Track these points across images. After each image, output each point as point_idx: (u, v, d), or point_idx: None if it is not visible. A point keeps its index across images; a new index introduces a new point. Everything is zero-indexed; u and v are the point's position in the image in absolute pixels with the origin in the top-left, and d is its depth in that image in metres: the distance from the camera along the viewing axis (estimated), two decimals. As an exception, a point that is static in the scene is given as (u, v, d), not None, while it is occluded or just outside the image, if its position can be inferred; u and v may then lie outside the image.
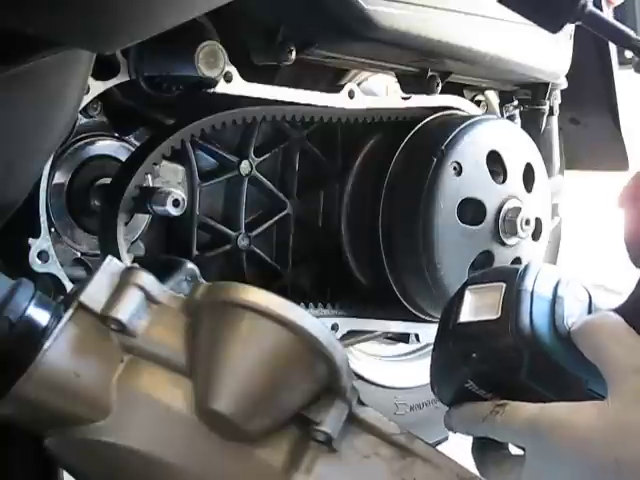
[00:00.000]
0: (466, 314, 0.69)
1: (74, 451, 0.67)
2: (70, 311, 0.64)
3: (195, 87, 0.99)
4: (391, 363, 1.57)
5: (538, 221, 1.22)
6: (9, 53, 0.67)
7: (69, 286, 0.96)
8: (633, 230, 0.67)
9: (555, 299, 0.67)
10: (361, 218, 1.20)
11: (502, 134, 1.21)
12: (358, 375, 1.44)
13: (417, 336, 1.28)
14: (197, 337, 0.65)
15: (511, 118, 1.36)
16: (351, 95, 1.12)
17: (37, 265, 0.94)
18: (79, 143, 1.04)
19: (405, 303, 1.21)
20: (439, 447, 0.71)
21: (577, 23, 0.82)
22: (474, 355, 0.66)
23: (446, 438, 1.56)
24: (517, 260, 1.20)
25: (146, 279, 0.66)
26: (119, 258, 0.93)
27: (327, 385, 0.67)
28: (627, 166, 1.61)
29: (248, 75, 1.00)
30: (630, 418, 0.60)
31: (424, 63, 1.16)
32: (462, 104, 1.27)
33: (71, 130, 0.98)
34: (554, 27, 0.83)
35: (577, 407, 0.62)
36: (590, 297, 0.69)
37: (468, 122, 1.17)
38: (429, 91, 1.19)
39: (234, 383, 0.64)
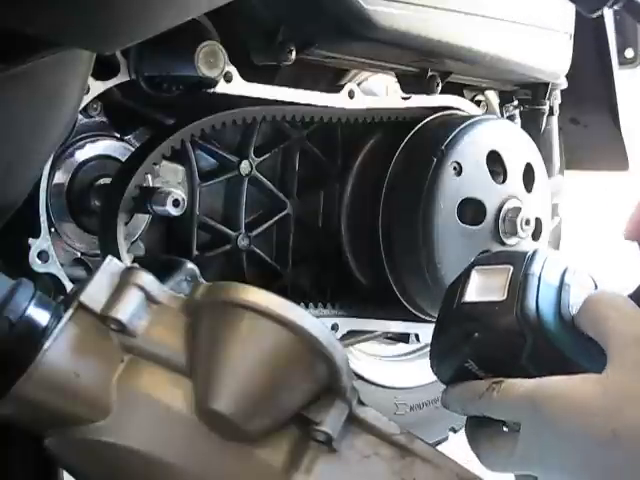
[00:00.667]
0: (472, 294, 0.69)
1: (74, 451, 0.67)
2: (70, 311, 0.64)
3: (195, 87, 0.99)
4: (391, 363, 1.57)
5: (538, 221, 1.22)
6: (9, 53, 0.67)
7: (69, 286, 0.96)
8: None
9: (562, 286, 0.67)
10: (361, 218, 1.20)
11: (502, 134, 1.21)
12: (358, 375, 1.44)
13: (417, 336, 1.28)
14: (197, 337, 0.65)
15: (511, 118, 1.36)
16: (351, 95, 1.12)
17: (37, 265, 0.94)
18: (79, 143, 1.04)
19: (405, 303, 1.21)
20: (439, 447, 0.71)
21: (614, 8, 0.82)
22: (476, 335, 0.67)
23: (446, 438, 1.57)
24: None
25: (146, 279, 0.66)
26: (119, 258, 0.93)
27: (327, 385, 0.67)
28: (627, 166, 1.61)
29: (248, 75, 1.00)
30: (629, 388, 0.60)
31: (424, 63, 1.16)
32: (462, 104, 1.27)
33: (71, 130, 0.98)
34: (591, 9, 0.83)
35: (575, 379, 0.62)
36: (596, 287, 0.69)
37: (468, 122, 1.17)
38: (429, 91, 1.19)
39: (234, 383, 0.64)
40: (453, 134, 1.14)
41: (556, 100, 1.35)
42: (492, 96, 1.44)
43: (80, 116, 1.02)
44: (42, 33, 0.63)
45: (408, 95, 1.19)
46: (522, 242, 1.20)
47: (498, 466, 0.68)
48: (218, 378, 0.64)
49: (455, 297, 0.70)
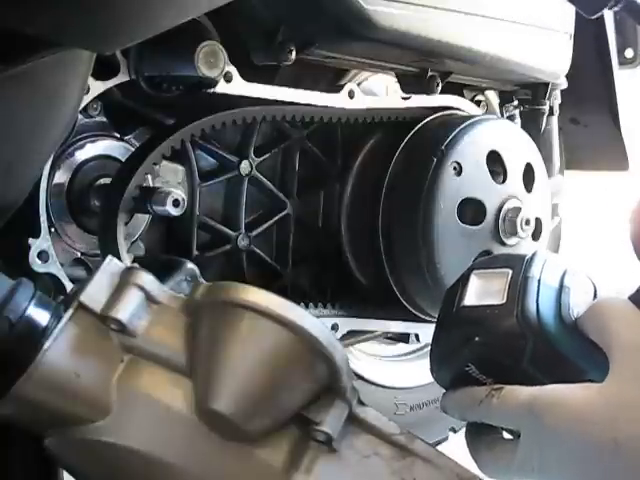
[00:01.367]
0: (471, 297, 0.69)
1: (74, 451, 0.67)
2: (70, 311, 0.64)
3: (195, 87, 0.99)
4: (391, 363, 1.57)
5: (538, 221, 1.22)
6: (9, 53, 0.67)
7: (69, 286, 0.96)
8: None
9: (562, 288, 0.67)
10: (361, 218, 1.20)
11: (502, 134, 1.21)
12: (358, 375, 1.44)
13: (417, 336, 1.28)
14: (197, 337, 0.65)
15: (511, 118, 1.36)
16: (351, 95, 1.12)
17: (37, 265, 0.94)
18: (79, 143, 1.05)
19: (405, 303, 1.21)
20: (439, 447, 0.71)
21: (615, 9, 0.81)
22: (477, 339, 0.66)
23: (446, 438, 1.57)
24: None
25: (146, 279, 0.66)
26: (119, 258, 0.93)
27: (327, 385, 0.67)
28: (627, 166, 1.61)
29: (248, 75, 1.00)
30: (630, 397, 0.59)
31: (424, 63, 1.16)
32: (462, 104, 1.27)
33: (71, 130, 0.98)
34: (591, 11, 0.82)
35: (576, 387, 0.62)
36: (596, 289, 0.69)
37: (468, 122, 1.17)
38: (429, 91, 1.19)
39: (234, 383, 0.64)
40: (453, 134, 1.14)
41: (556, 100, 1.35)
42: (492, 96, 1.44)
43: (80, 116, 1.02)
44: (42, 33, 0.63)
45: (408, 95, 1.19)
46: (522, 242, 1.20)
47: (497, 474, 0.67)
48: (218, 378, 0.64)
49: (454, 301, 0.70)
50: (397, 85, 1.22)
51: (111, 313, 0.64)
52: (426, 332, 1.28)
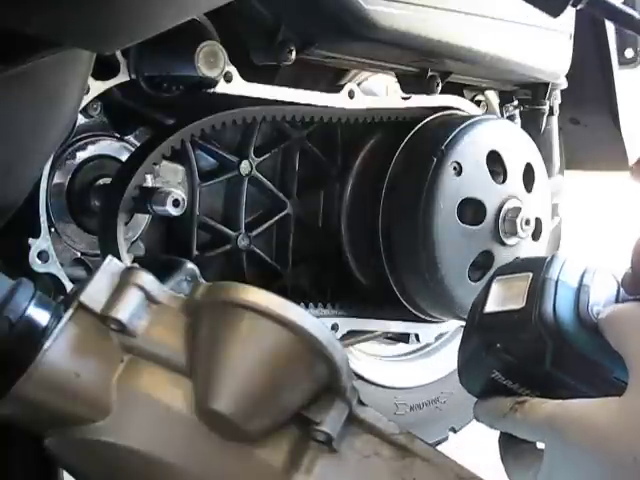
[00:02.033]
0: (492, 304, 0.68)
1: (74, 451, 0.67)
2: (70, 311, 0.64)
3: (195, 87, 0.99)
4: (391, 363, 1.57)
5: (538, 221, 1.22)
6: (9, 53, 0.67)
7: (69, 286, 0.96)
8: None
9: (580, 287, 0.66)
10: (361, 218, 1.20)
11: (502, 134, 1.21)
12: (358, 375, 1.44)
13: (417, 336, 1.28)
14: (197, 337, 0.65)
15: (511, 118, 1.36)
16: (351, 95, 1.12)
17: (37, 265, 0.94)
18: (79, 143, 1.05)
19: (405, 303, 1.21)
20: (439, 447, 0.71)
21: (579, 7, 0.81)
22: (498, 345, 0.66)
23: (446, 438, 1.57)
24: (517, 260, 1.20)
25: (146, 279, 0.66)
26: (119, 258, 0.93)
27: (327, 385, 0.67)
28: (627, 166, 1.61)
29: (248, 75, 1.00)
30: None
31: (424, 63, 1.16)
32: (462, 104, 1.27)
33: (71, 130, 0.98)
34: (555, 11, 0.82)
35: (596, 403, 0.61)
36: (619, 286, 0.68)
37: (468, 122, 1.17)
38: (429, 91, 1.19)
39: (234, 383, 0.64)
40: (453, 134, 1.14)
41: (556, 100, 1.35)
42: (492, 96, 1.44)
43: (80, 116, 1.02)
44: (42, 33, 0.63)
45: (408, 95, 1.19)
46: (522, 242, 1.20)
47: None
48: (218, 378, 0.64)
49: (477, 310, 0.69)
50: (397, 85, 1.22)
51: (111, 313, 0.64)
52: (426, 332, 1.29)
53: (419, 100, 1.20)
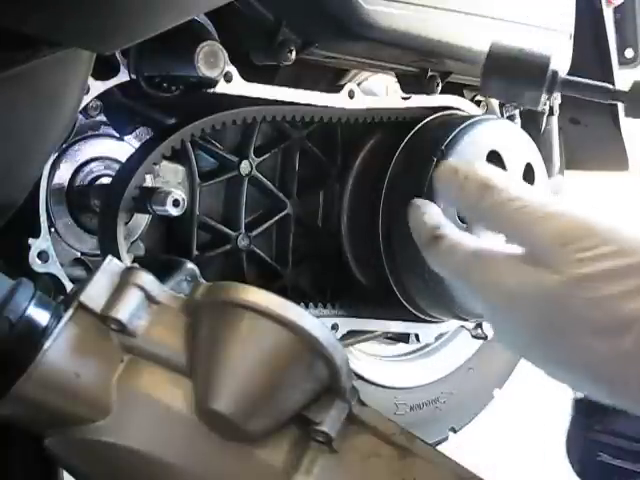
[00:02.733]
0: None
1: (74, 451, 0.67)
2: (70, 311, 0.64)
3: (195, 87, 0.99)
4: (391, 363, 1.57)
5: (538, 221, 1.22)
6: (8, 53, 0.67)
7: (69, 286, 0.96)
8: None
9: None
10: (361, 218, 1.20)
11: (502, 134, 1.20)
12: (358, 375, 1.44)
13: (417, 336, 1.28)
14: (197, 337, 0.65)
15: (511, 118, 1.36)
16: (351, 95, 1.12)
17: (37, 265, 0.94)
18: (79, 143, 1.05)
19: (405, 303, 1.20)
20: (439, 447, 0.71)
21: (555, 94, 0.83)
22: (596, 428, 0.65)
23: (446, 438, 1.57)
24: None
25: (146, 279, 0.66)
26: (119, 258, 0.93)
27: (327, 385, 0.67)
28: (627, 166, 1.61)
29: (248, 75, 1.00)
30: None
31: (424, 63, 1.16)
32: (462, 104, 1.27)
33: (71, 130, 0.98)
34: (536, 105, 0.84)
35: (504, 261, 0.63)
36: None
37: (468, 122, 1.17)
38: (429, 91, 1.19)
39: (234, 383, 0.64)
40: (453, 134, 1.14)
41: (556, 100, 1.34)
42: (492, 96, 1.44)
43: (80, 116, 1.02)
44: (41, 33, 0.63)
45: (408, 95, 1.19)
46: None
47: None
48: (218, 378, 0.64)
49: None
50: (397, 85, 1.22)
51: (111, 313, 0.64)
52: (426, 332, 1.28)
53: (419, 100, 1.20)
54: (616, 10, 1.52)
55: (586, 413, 0.67)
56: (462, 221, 0.76)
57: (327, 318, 1.14)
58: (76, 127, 1.02)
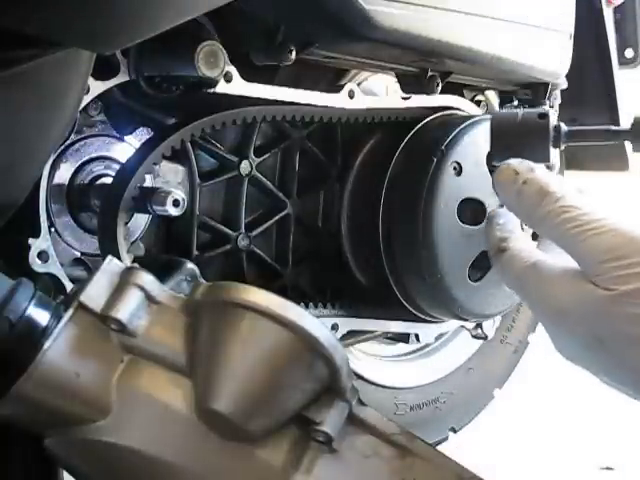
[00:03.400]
0: None
1: (74, 451, 0.67)
2: (70, 311, 0.64)
3: (195, 87, 0.99)
4: (391, 363, 1.57)
5: (538, 221, 1.22)
6: (9, 53, 0.67)
7: (69, 286, 0.96)
8: None
9: None
10: (361, 218, 1.20)
11: (502, 134, 1.20)
12: (358, 375, 1.44)
13: (417, 336, 1.28)
14: (197, 337, 0.65)
15: (511, 118, 1.36)
16: (351, 95, 1.12)
17: (37, 265, 0.94)
18: (79, 143, 1.05)
19: (405, 303, 1.20)
20: (439, 447, 0.71)
21: (563, 146, 0.86)
22: None
23: (446, 438, 1.57)
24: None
25: (146, 279, 0.66)
26: (119, 258, 0.93)
27: (327, 385, 0.67)
28: (627, 166, 1.61)
29: (248, 75, 1.00)
30: None
31: (424, 63, 1.16)
32: (462, 104, 1.27)
33: (71, 130, 0.98)
34: (547, 160, 0.87)
35: (561, 274, 0.67)
36: None
37: (468, 122, 1.17)
38: (429, 91, 1.19)
39: (234, 383, 0.64)
40: (453, 134, 1.14)
41: (556, 100, 1.34)
42: (492, 96, 1.44)
43: (80, 116, 1.02)
44: (42, 33, 0.63)
45: (408, 95, 1.19)
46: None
47: None
48: (218, 378, 0.64)
49: None
50: (397, 85, 1.22)
51: (111, 313, 0.64)
52: (426, 332, 1.28)
53: (419, 100, 1.20)
54: (616, 10, 1.52)
55: None
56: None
57: (327, 318, 1.15)
58: (76, 127, 1.02)
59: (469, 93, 1.34)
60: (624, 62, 1.55)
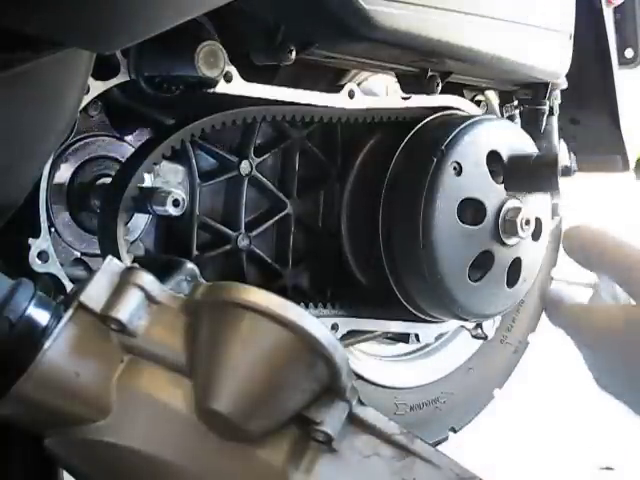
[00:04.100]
0: None
1: (74, 451, 0.67)
2: (70, 311, 0.64)
3: (195, 87, 0.99)
4: (391, 363, 1.57)
5: (538, 221, 1.22)
6: (9, 53, 0.67)
7: (69, 286, 0.96)
8: None
9: None
10: (361, 218, 1.20)
11: (502, 134, 1.21)
12: (358, 375, 1.44)
13: (417, 336, 1.28)
14: (197, 337, 0.65)
15: (511, 118, 1.36)
16: (351, 95, 1.12)
17: (37, 265, 0.94)
18: (79, 143, 1.05)
19: (405, 303, 1.20)
20: (439, 447, 0.71)
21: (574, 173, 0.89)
22: None
23: (446, 438, 1.57)
24: (517, 260, 1.20)
25: (146, 279, 0.66)
26: (119, 258, 0.93)
27: (327, 385, 0.67)
28: (627, 167, 1.61)
29: (248, 75, 1.00)
30: None
31: (424, 63, 1.16)
32: (462, 104, 1.27)
33: (71, 130, 0.98)
34: (557, 192, 0.89)
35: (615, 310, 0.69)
36: None
37: (468, 122, 1.17)
38: (429, 91, 1.19)
39: (234, 383, 0.64)
40: (453, 134, 1.14)
41: (556, 100, 1.34)
42: (492, 96, 1.44)
43: (80, 116, 1.02)
44: (42, 33, 0.63)
45: (408, 95, 1.19)
46: (522, 242, 1.20)
47: None
48: (218, 378, 0.64)
49: None
50: (397, 85, 1.22)
51: (111, 313, 0.64)
52: (426, 332, 1.28)
53: (419, 100, 1.20)
54: (616, 10, 1.52)
55: None
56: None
57: (327, 318, 1.15)
58: (76, 127, 1.02)
59: (469, 93, 1.34)
60: (624, 62, 1.55)
